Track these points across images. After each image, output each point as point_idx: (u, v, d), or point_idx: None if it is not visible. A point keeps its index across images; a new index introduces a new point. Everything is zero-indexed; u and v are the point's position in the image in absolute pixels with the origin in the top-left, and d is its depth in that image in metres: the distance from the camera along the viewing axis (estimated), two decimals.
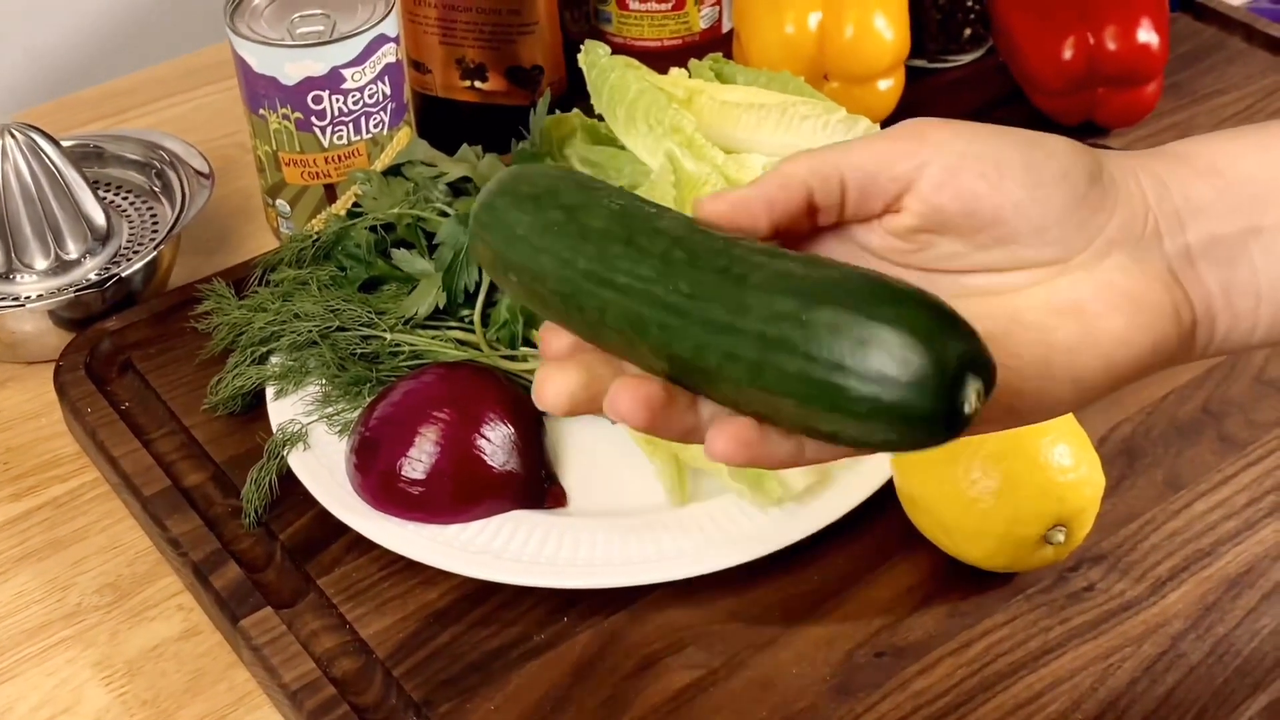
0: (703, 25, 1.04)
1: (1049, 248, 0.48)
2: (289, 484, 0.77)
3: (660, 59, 1.02)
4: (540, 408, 0.48)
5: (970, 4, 1.07)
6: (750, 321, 0.44)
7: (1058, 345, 0.48)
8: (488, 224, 0.51)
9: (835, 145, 0.49)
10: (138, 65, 1.22)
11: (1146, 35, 0.96)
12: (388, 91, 0.91)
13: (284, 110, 0.89)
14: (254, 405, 0.82)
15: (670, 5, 1.02)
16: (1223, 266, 0.49)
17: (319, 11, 0.91)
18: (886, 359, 0.41)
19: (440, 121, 1.02)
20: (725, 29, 1.05)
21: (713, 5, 1.03)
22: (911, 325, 0.42)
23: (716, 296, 0.45)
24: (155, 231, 0.94)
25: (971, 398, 0.42)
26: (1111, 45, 0.96)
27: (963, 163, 0.48)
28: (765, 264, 0.45)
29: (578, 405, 0.48)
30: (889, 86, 0.99)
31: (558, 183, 0.50)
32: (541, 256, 0.49)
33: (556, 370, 0.48)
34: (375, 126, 0.92)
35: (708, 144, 0.78)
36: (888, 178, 0.48)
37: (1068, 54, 0.96)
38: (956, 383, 0.42)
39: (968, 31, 1.08)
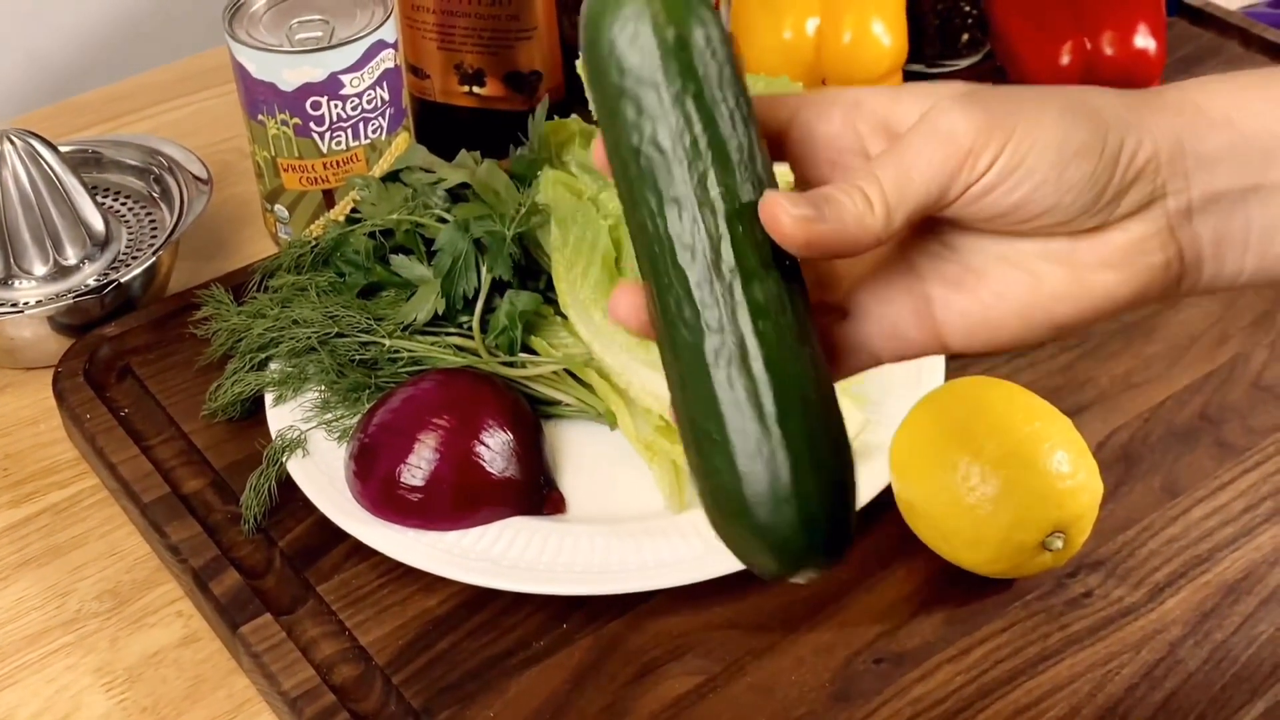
0: None
1: (1062, 229, 0.49)
2: (288, 490, 0.77)
3: None
4: (613, 318, 0.50)
5: (968, 9, 1.07)
6: (688, 390, 0.47)
7: (1044, 291, 0.49)
8: (590, 57, 0.48)
9: (900, 171, 0.48)
10: (137, 68, 1.22)
11: (1144, 41, 0.96)
12: (386, 97, 0.91)
13: (282, 116, 0.89)
14: (253, 411, 0.82)
15: None
16: (1219, 218, 0.50)
17: (317, 17, 0.91)
18: (755, 530, 0.46)
19: (438, 126, 1.02)
20: None
21: None
22: (789, 516, 0.46)
23: (685, 333, 0.47)
24: (154, 237, 0.94)
25: (803, 578, 0.48)
26: (1109, 50, 0.96)
27: (999, 180, 0.48)
28: (738, 348, 0.46)
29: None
30: None
31: (658, 59, 0.46)
32: (609, 130, 0.48)
33: (635, 289, 0.49)
34: (373, 132, 0.92)
35: None
36: (946, 199, 0.48)
37: (1065, 59, 0.96)
38: (793, 571, 0.47)
39: (965, 36, 1.08)
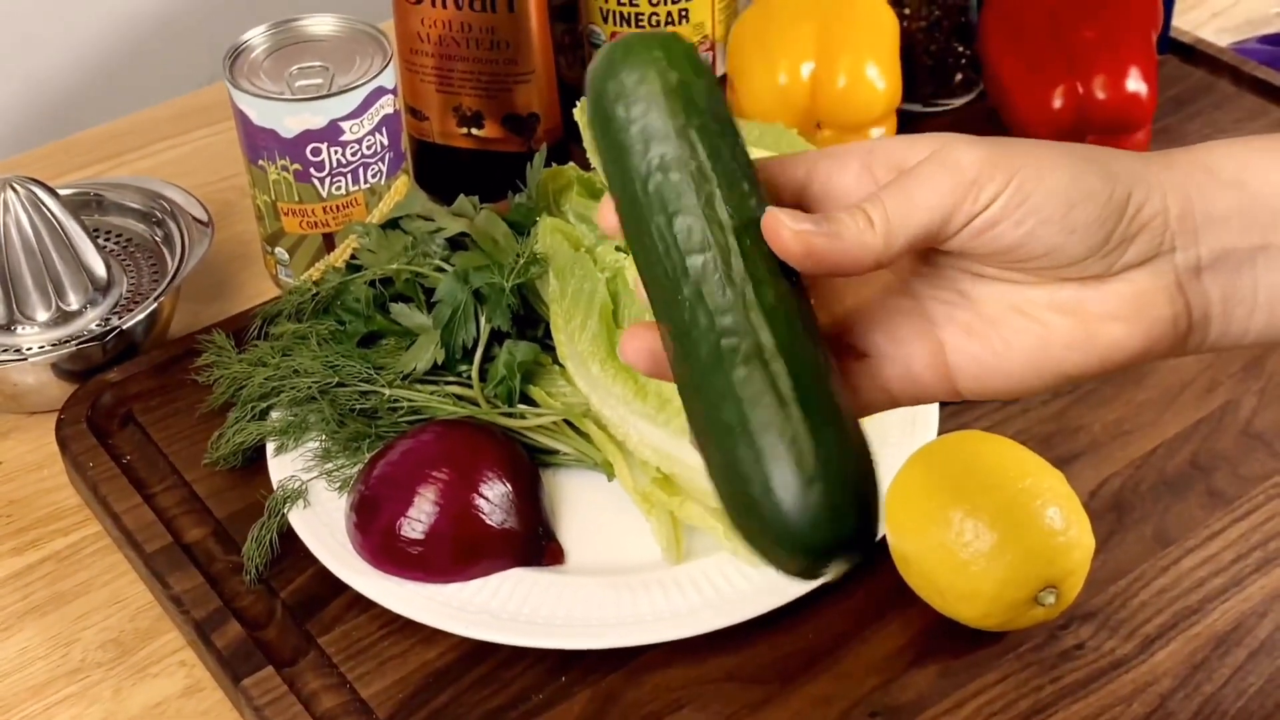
0: None
1: (1068, 273, 0.50)
2: (289, 540, 0.77)
3: None
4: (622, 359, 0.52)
5: (961, 49, 1.08)
6: (706, 394, 0.48)
7: (1053, 341, 0.51)
8: (597, 104, 0.51)
9: (904, 196, 0.49)
10: (137, 95, 1.23)
11: (1135, 85, 0.97)
12: (385, 142, 0.92)
13: (283, 162, 0.90)
14: (254, 459, 0.83)
15: None
16: (1227, 276, 0.51)
17: (317, 64, 0.92)
18: (782, 520, 0.46)
19: (437, 167, 1.03)
20: (719, 73, 1.06)
21: (706, 51, 1.04)
22: (816, 500, 0.46)
23: (699, 340, 0.48)
24: (156, 279, 0.94)
25: (831, 573, 0.47)
26: (1100, 95, 0.97)
27: (1004, 213, 0.49)
28: (754, 345, 0.47)
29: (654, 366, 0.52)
30: (881, 134, 1.00)
31: (664, 97, 0.50)
32: (614, 169, 0.51)
33: (643, 330, 0.51)
34: (373, 176, 0.93)
35: None
36: (949, 229, 0.50)
37: (1057, 103, 0.97)
38: (824, 563, 0.47)
39: (958, 76, 1.09)
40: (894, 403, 0.53)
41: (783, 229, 0.49)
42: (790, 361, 0.47)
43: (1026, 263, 0.50)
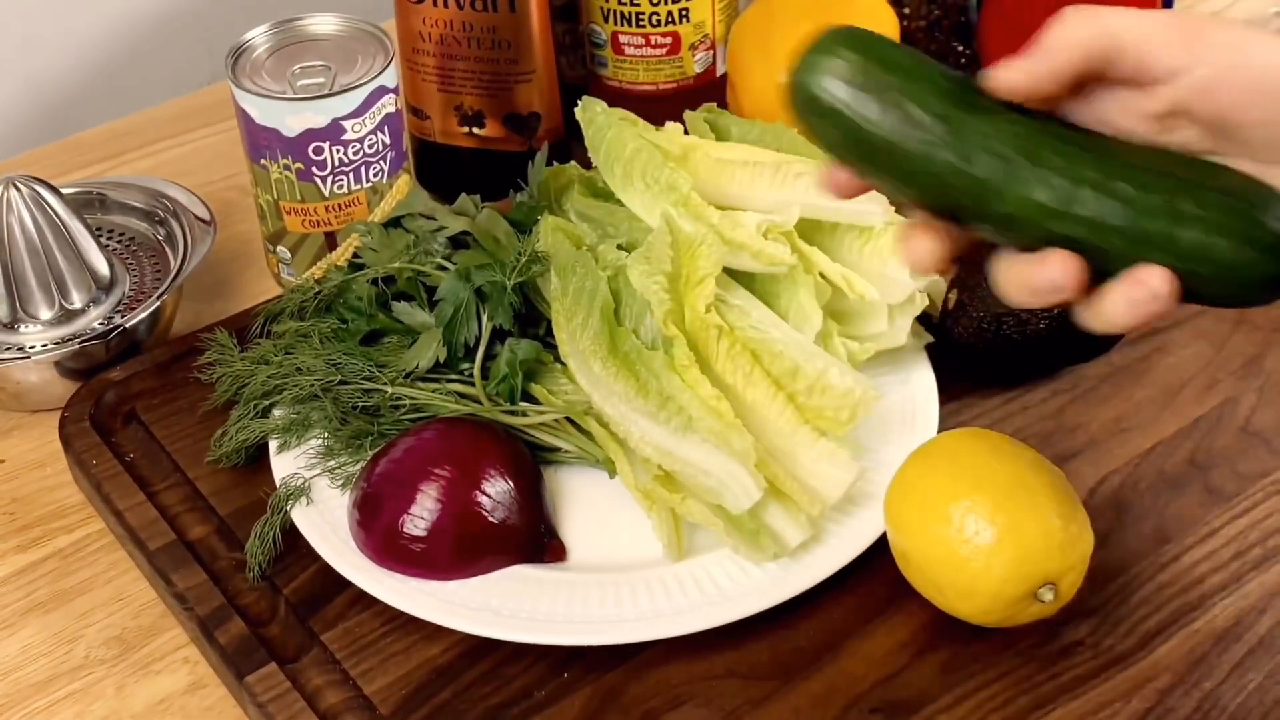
0: (697, 69, 1.05)
1: (1277, 155, 0.52)
2: (292, 537, 0.78)
3: (655, 103, 1.03)
4: (909, 265, 0.58)
5: (960, 49, 1.08)
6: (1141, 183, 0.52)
7: None
8: (821, 106, 0.59)
9: (1117, 12, 0.52)
10: (137, 95, 1.23)
11: None
12: (387, 141, 0.93)
13: (285, 161, 0.91)
14: (257, 457, 0.83)
15: (665, 50, 1.03)
16: None
17: (319, 63, 0.92)
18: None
19: (438, 166, 1.04)
20: (719, 72, 1.06)
21: (706, 50, 1.05)
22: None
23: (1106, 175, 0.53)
24: (158, 278, 0.95)
25: None
26: None
27: (1228, 75, 0.51)
28: (1121, 146, 0.54)
29: (938, 263, 0.57)
30: None
31: (889, 61, 0.58)
32: (874, 119, 0.57)
33: (921, 233, 0.57)
34: (375, 175, 0.93)
35: (703, 203, 0.80)
36: (1162, 64, 0.52)
37: None
38: None
39: None
40: None
41: (999, 70, 0.54)
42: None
43: (1240, 134, 0.52)
